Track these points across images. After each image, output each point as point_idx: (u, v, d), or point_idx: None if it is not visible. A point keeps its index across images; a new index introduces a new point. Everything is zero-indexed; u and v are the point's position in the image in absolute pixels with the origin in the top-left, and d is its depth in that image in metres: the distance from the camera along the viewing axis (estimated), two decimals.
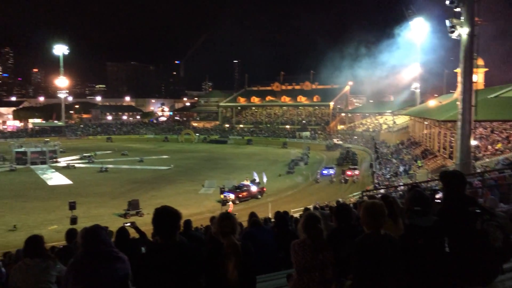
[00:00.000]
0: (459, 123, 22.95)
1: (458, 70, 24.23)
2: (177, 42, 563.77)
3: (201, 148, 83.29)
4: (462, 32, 21.79)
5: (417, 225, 3.80)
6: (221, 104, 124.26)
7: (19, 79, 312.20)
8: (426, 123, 52.05)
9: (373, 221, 3.65)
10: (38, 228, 28.13)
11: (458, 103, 23.33)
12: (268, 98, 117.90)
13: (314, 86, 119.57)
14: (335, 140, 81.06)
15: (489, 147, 35.01)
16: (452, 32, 22.00)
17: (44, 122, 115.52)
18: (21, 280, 4.72)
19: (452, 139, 36.18)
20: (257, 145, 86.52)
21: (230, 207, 33.51)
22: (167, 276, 3.61)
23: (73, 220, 27.36)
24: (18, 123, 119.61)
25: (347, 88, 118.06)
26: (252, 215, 8.60)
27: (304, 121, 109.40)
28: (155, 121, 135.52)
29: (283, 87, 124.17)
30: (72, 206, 29.01)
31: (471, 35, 21.70)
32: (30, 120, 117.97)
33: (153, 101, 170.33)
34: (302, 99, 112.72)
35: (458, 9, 21.86)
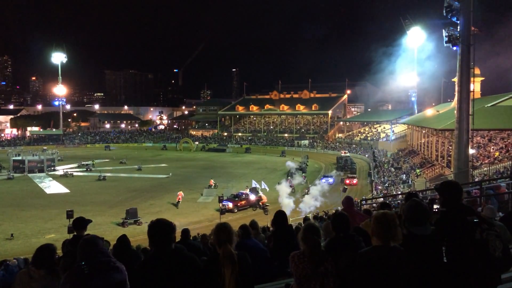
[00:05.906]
0: (456, 132, 23.03)
1: (456, 79, 24.32)
2: (176, 50, 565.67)
3: (199, 156, 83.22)
4: (459, 41, 21.94)
5: (415, 234, 3.78)
6: (220, 112, 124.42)
7: (17, 87, 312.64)
8: (424, 131, 52.22)
9: (384, 232, 3.53)
10: (35, 237, 28.06)
11: (455, 112, 23.43)
12: (267, 106, 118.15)
13: (312, 95, 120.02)
14: (342, 153, 74.62)
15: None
16: (449, 41, 22.14)
17: (42, 130, 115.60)
18: None
19: (450, 147, 36.28)
20: (256, 154, 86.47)
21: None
22: (165, 284, 3.60)
23: (71, 229, 27.15)
24: (15, 131, 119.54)
25: (345, 96, 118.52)
26: (243, 226, 7.56)
27: (302, 130, 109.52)
28: (153, 130, 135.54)
29: (282, 96, 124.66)
30: (70, 215, 28.73)
31: (467, 44, 21.84)
32: (28, 128, 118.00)
33: (151, 109, 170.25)
34: (300, 108, 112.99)
35: (454, 19, 22.05)
